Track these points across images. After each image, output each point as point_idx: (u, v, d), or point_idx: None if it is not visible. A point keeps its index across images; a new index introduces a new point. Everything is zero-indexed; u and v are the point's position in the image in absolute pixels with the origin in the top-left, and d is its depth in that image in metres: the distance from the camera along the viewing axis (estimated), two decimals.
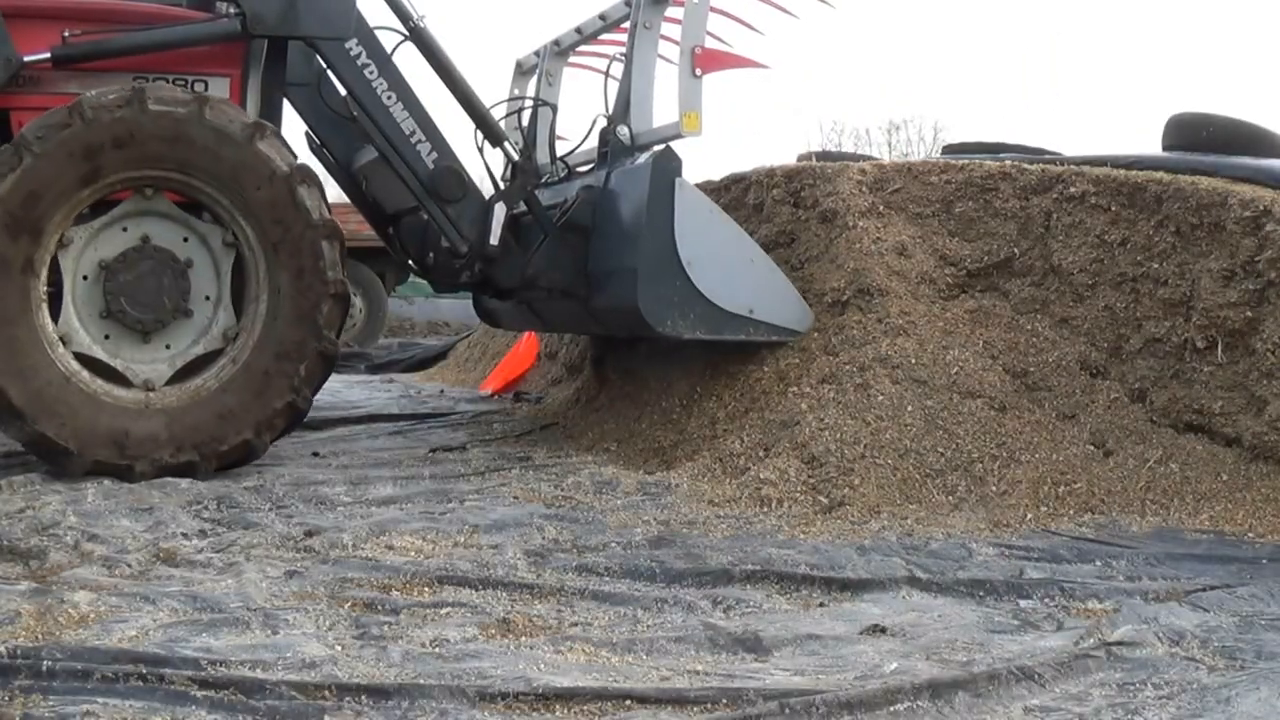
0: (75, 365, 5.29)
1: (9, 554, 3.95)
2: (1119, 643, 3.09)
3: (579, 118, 7.17)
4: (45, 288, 5.26)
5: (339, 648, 3.06)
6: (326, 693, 2.70)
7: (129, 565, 3.84)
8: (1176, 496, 4.78)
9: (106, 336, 5.44)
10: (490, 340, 11.41)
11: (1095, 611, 3.54)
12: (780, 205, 6.38)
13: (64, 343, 5.31)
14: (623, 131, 6.10)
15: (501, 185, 6.37)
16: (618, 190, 6.00)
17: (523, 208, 6.29)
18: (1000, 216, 5.94)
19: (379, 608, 3.45)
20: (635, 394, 6.62)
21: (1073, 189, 5.71)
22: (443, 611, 3.41)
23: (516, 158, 6.30)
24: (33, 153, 5.14)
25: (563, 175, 6.78)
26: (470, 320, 14.61)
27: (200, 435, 5.31)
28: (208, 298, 5.55)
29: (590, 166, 6.62)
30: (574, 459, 5.95)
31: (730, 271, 5.76)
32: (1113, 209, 5.53)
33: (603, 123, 6.34)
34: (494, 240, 6.07)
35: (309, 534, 4.29)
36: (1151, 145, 6.59)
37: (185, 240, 5.52)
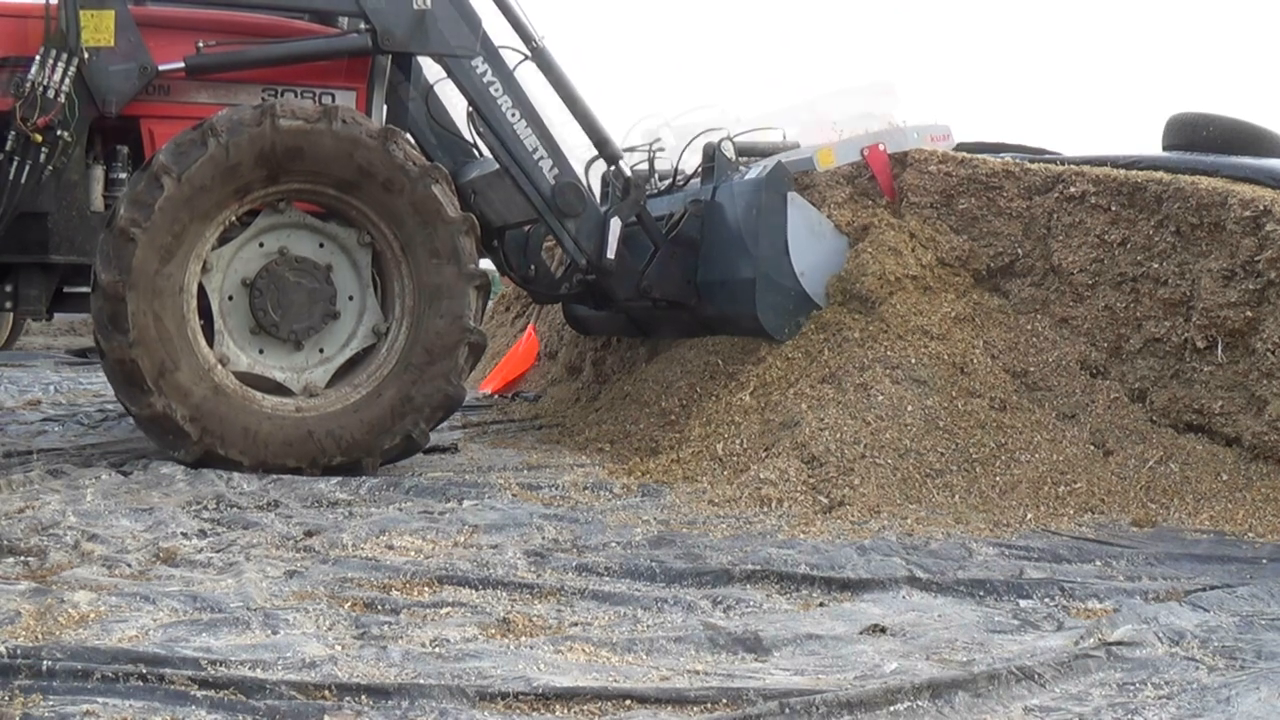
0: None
1: (9, 554, 3.95)
2: (1119, 643, 3.09)
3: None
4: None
5: (339, 648, 3.06)
6: (326, 693, 2.70)
7: (129, 565, 3.84)
8: (1176, 496, 4.78)
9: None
10: (490, 340, 11.40)
11: (1095, 611, 3.54)
12: None
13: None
14: (727, 147, 6.40)
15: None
16: (727, 204, 6.24)
17: (633, 220, 6.44)
18: (1004, 216, 5.95)
19: (379, 608, 3.45)
20: (635, 394, 6.62)
21: (1073, 189, 5.71)
22: (443, 611, 3.41)
23: (630, 174, 6.46)
24: (331, 125, 5.31)
25: (664, 188, 6.95)
26: None
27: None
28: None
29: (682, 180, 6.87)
30: (573, 458, 5.95)
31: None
32: (1113, 209, 5.53)
33: (705, 138, 6.64)
34: (610, 254, 6.23)
35: (309, 534, 4.29)
36: (1151, 145, 6.59)
37: (321, 245, 5.63)
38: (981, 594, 3.69)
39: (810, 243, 6.00)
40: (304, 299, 5.54)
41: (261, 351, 5.56)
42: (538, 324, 9.38)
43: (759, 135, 7.10)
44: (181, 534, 4.29)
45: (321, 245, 5.61)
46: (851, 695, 2.67)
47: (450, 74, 6.09)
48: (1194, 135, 6.26)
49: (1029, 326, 5.65)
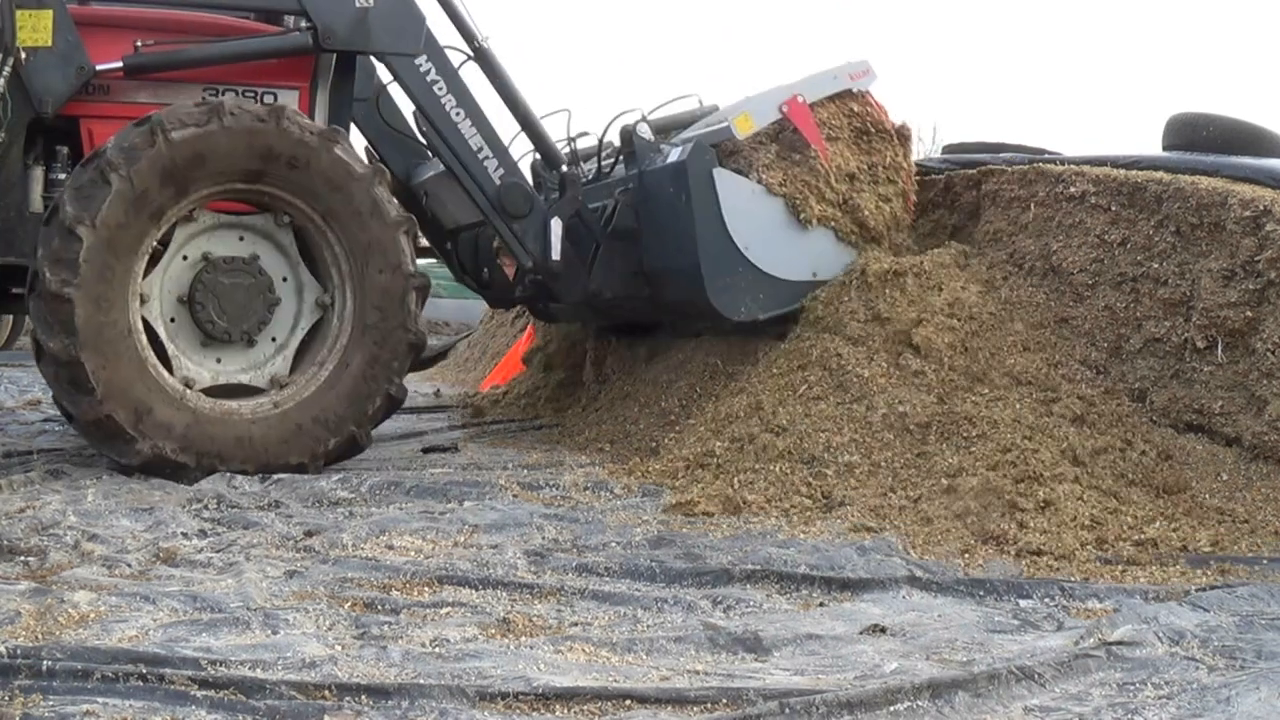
0: (142, 330, 5.31)
1: (9, 554, 3.95)
2: (1119, 642, 3.09)
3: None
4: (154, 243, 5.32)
5: (339, 648, 3.06)
6: (326, 693, 2.70)
7: (129, 565, 3.84)
8: (1177, 496, 4.78)
9: (172, 320, 5.48)
10: (490, 340, 11.41)
11: (1095, 611, 3.54)
12: None
13: (143, 301, 5.34)
14: (643, 129, 6.20)
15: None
16: (656, 189, 6.08)
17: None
18: (1005, 215, 5.96)
19: (379, 608, 3.45)
20: (634, 394, 6.62)
21: (1073, 189, 5.71)
22: (443, 611, 3.41)
23: (565, 170, 6.35)
24: (222, 122, 5.24)
25: (591, 177, 6.76)
26: (470, 320, 14.57)
27: (209, 447, 5.33)
28: (274, 340, 5.62)
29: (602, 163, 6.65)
30: (574, 458, 5.95)
31: (786, 243, 5.96)
32: (1113, 209, 5.53)
33: (624, 120, 6.40)
34: (555, 255, 6.12)
35: (309, 534, 4.30)
36: (1151, 145, 6.60)
37: (285, 280, 5.62)
38: (981, 594, 3.69)
39: (748, 215, 5.88)
40: (242, 296, 5.51)
41: (219, 360, 5.54)
42: (538, 324, 9.37)
43: (676, 107, 6.84)
44: (181, 534, 4.30)
45: (242, 238, 5.58)
46: (851, 695, 2.67)
47: (393, 73, 6.01)
48: (1194, 135, 6.26)
49: (1029, 326, 5.65)
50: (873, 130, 6.21)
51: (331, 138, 5.48)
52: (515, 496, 4.97)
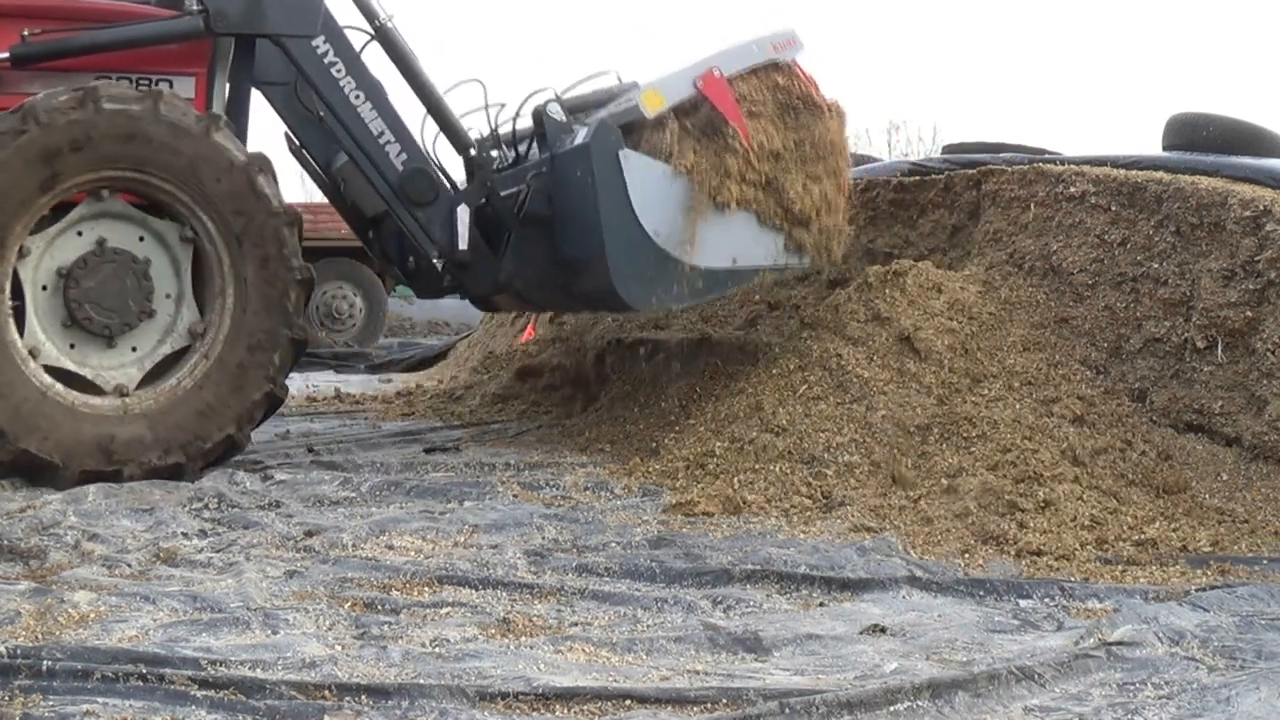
0: (48, 379, 5.16)
1: (9, 554, 3.95)
2: (1119, 643, 3.10)
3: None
4: (10, 302, 5.11)
5: (339, 648, 3.06)
6: (326, 693, 2.70)
7: (129, 565, 3.84)
8: (1177, 496, 4.78)
9: (72, 346, 5.29)
10: (490, 340, 11.41)
11: (1095, 611, 3.54)
12: None
13: (34, 356, 5.16)
14: (554, 109, 5.89)
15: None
16: (566, 172, 5.75)
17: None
18: (1004, 215, 5.95)
19: (379, 608, 3.45)
20: (634, 394, 6.62)
21: (1073, 189, 5.71)
22: (443, 611, 3.41)
23: (474, 154, 6.08)
24: None
25: (511, 161, 6.34)
26: (470, 320, 14.57)
27: (184, 434, 5.24)
28: (168, 295, 5.42)
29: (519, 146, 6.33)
30: (572, 459, 5.94)
31: (703, 229, 5.61)
32: (1113, 209, 5.53)
33: (536, 100, 6.04)
34: (463, 245, 5.87)
35: (309, 534, 4.30)
36: (1151, 145, 6.60)
37: (141, 240, 5.40)
38: (981, 594, 3.69)
39: (658, 198, 5.51)
40: (120, 294, 5.29)
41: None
42: (537, 325, 9.38)
43: (591, 84, 6.35)
44: (182, 534, 4.30)
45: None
46: (851, 695, 2.67)
47: (289, 56, 5.75)
48: (1194, 135, 6.27)
49: (1029, 326, 5.65)
50: (800, 105, 5.79)
51: (93, 97, 5.17)
52: (515, 496, 4.97)
